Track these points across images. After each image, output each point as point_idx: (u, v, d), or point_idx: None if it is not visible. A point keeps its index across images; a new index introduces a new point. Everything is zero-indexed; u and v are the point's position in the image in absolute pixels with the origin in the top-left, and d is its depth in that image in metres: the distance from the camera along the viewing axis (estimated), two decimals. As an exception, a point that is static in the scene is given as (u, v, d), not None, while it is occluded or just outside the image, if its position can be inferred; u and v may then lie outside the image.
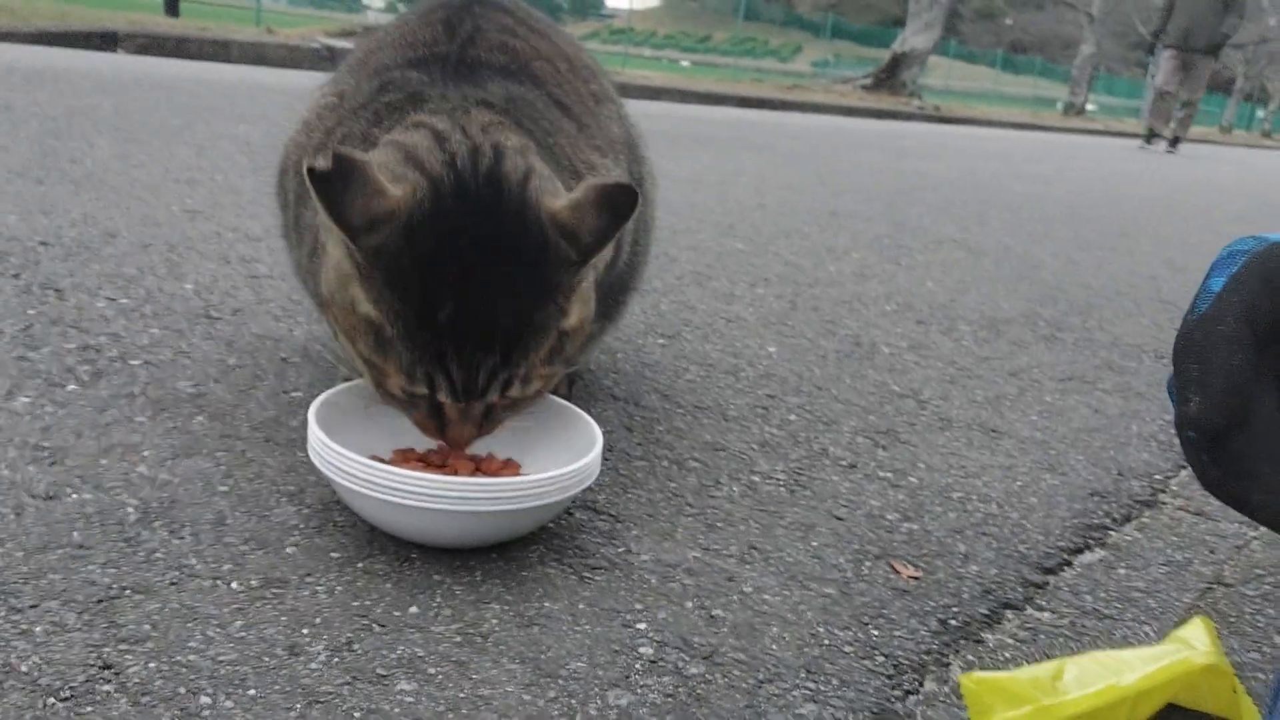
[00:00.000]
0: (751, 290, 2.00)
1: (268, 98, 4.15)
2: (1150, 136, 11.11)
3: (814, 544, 0.96)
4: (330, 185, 0.77)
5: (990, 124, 14.22)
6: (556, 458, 0.94)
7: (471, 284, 0.80)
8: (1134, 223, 4.12)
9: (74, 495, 0.86)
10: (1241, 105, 32.36)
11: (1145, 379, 1.70)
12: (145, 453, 0.96)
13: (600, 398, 1.28)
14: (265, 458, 0.99)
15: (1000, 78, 36.25)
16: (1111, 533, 1.10)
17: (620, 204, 0.85)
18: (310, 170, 0.76)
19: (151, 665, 0.66)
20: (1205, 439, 0.58)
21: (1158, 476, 1.27)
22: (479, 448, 0.95)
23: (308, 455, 0.93)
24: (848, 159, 5.34)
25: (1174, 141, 10.96)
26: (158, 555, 0.79)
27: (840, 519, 1.03)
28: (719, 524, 0.98)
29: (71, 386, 1.09)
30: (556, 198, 0.86)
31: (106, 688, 0.64)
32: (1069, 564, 1.01)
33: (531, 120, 1.01)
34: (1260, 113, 35.96)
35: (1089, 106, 24.10)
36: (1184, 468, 1.32)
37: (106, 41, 7.82)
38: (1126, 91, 35.83)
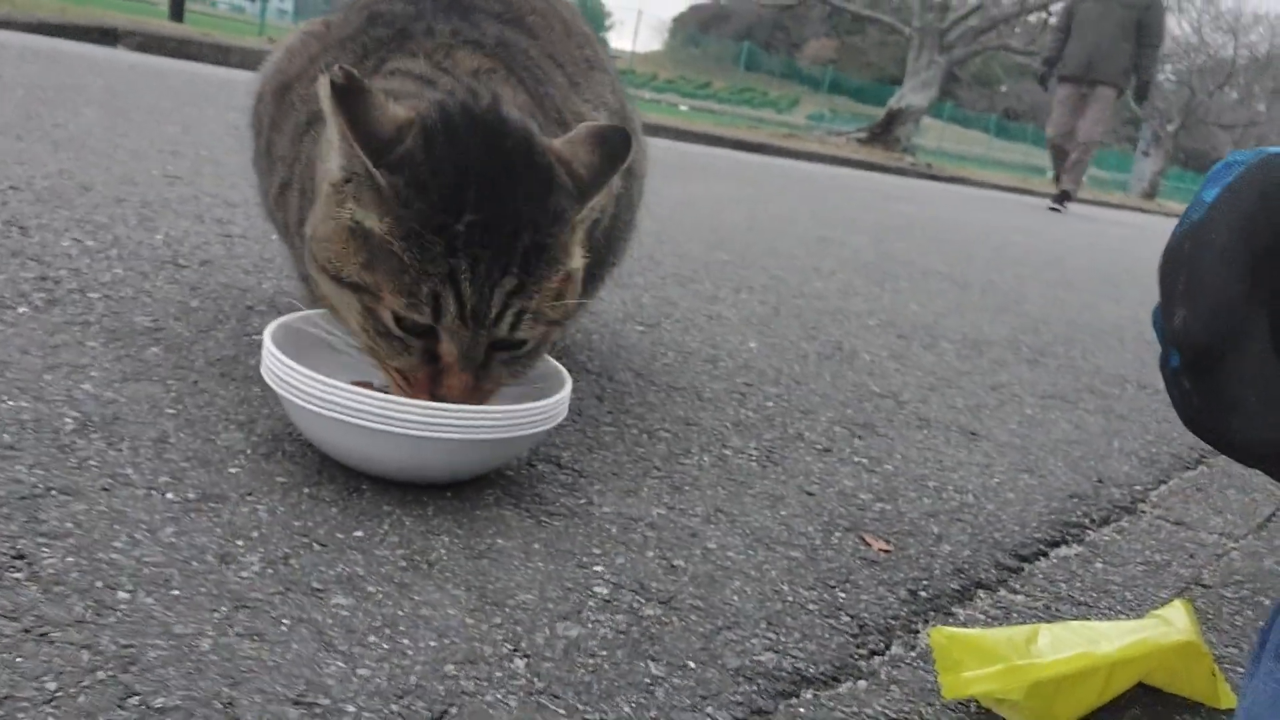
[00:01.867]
0: (735, 295, 1.97)
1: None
2: (1062, 198, 8.65)
3: (782, 513, 0.93)
4: (347, 97, 0.74)
5: (980, 184, 14.39)
6: (521, 399, 0.91)
7: (490, 199, 0.76)
8: (1121, 274, 4.14)
9: (9, 403, 0.82)
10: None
11: (1128, 404, 1.68)
12: (93, 374, 0.92)
13: (572, 370, 1.24)
14: (218, 389, 0.95)
15: (993, 143, 36.74)
16: (1089, 532, 1.07)
17: (616, 144, 0.83)
18: (331, 82, 0.73)
19: (69, 560, 0.62)
20: (1189, 360, 0.54)
21: (1138, 487, 1.25)
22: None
23: (266, 388, 0.89)
24: (839, 198, 5.36)
25: (1062, 197, 8.53)
26: (91, 463, 0.75)
27: (811, 494, 0.99)
28: (686, 487, 0.94)
29: (23, 309, 1.05)
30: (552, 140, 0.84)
31: (16, 575, 0.59)
32: (1045, 555, 0.98)
33: (524, 68, 0.99)
34: (1244, 194, 36.37)
35: (1078, 175, 24.39)
36: (1165, 481, 1.29)
37: (106, 37, 7.80)
38: (1115, 165, 36.39)
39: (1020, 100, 41.99)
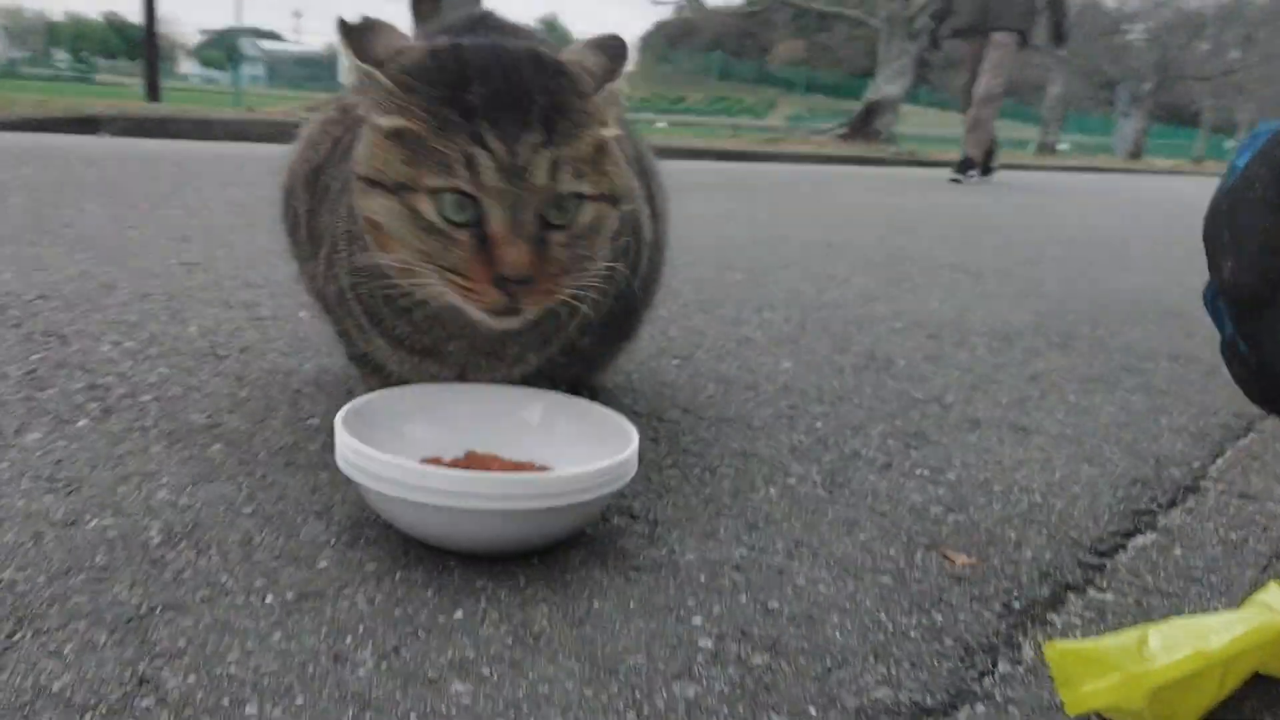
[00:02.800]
0: (758, 315, 1.98)
1: (254, 166, 4.16)
2: (965, 166, 7.56)
3: (861, 538, 0.93)
4: (359, 31, 0.81)
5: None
6: (590, 459, 0.91)
7: (500, 78, 0.79)
8: (1125, 246, 4.14)
9: (94, 521, 0.83)
10: (1212, 137, 32.98)
11: (1165, 379, 1.68)
12: (164, 479, 0.93)
13: (622, 413, 1.25)
14: (287, 480, 0.95)
15: (971, 122, 36.82)
16: (1160, 517, 1.06)
17: (614, 48, 0.88)
18: (341, 22, 0.81)
19: (191, 678, 0.62)
20: (1242, 307, 0.55)
21: (1196, 464, 1.25)
22: (516, 453, 0.92)
23: (333, 472, 0.90)
24: (833, 199, 5.38)
25: (964, 165, 7.51)
26: (186, 574, 0.75)
27: (883, 514, 0.99)
28: (760, 523, 0.95)
29: (82, 422, 1.05)
30: None
31: (145, 702, 0.60)
32: (1123, 547, 0.98)
33: None
34: (1229, 143, 36.60)
35: (1061, 145, 24.51)
36: (1220, 454, 1.29)
37: (88, 125, 7.86)
38: (1098, 129, 36.47)
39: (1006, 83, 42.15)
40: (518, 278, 0.77)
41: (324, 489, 0.94)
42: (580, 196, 0.81)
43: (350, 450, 0.80)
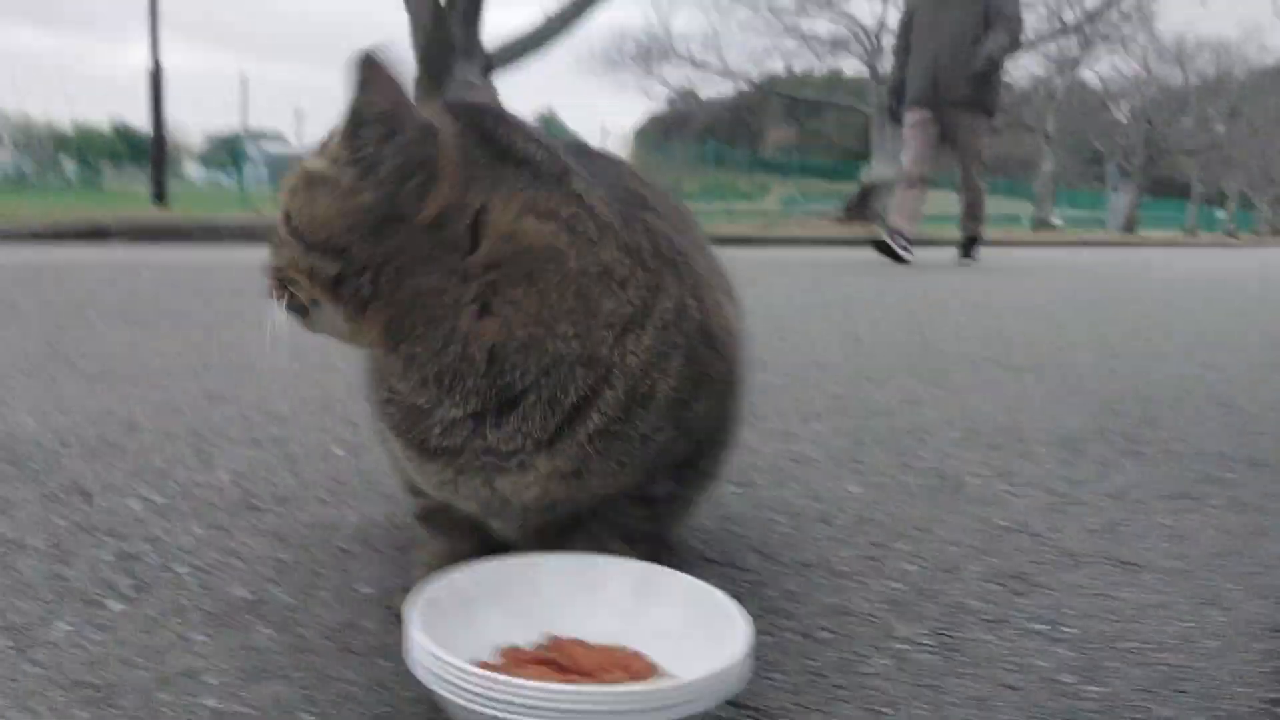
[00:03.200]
0: (807, 426, 1.89)
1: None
2: (890, 243, 7.13)
3: (998, 722, 0.82)
4: None
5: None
6: (690, 645, 0.81)
7: None
8: (1147, 327, 4.08)
9: (135, 745, 0.72)
10: (1202, 208, 33.35)
11: (1252, 490, 1.58)
12: (209, 680, 0.82)
13: (692, 561, 1.15)
14: (346, 672, 0.85)
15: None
16: (1310, 673, 0.96)
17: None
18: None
19: None
20: None
21: (1324, 600, 1.14)
22: (602, 636, 0.82)
23: (395, 661, 0.80)
24: (841, 285, 5.34)
25: (970, 244, 7.39)
26: (247, 817, 0.65)
27: (1014, 689, 0.89)
28: (880, 707, 0.84)
29: (114, 605, 0.95)
30: None
31: None
32: (1286, 718, 0.87)
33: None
34: (1220, 214, 37.02)
35: (1056, 220, 24.76)
36: (1347, 587, 1.19)
37: (98, 235, 7.90)
38: (1089, 203, 36.93)
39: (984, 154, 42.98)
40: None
41: (387, 684, 0.83)
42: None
43: (429, 658, 0.70)
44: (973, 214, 7.37)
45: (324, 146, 0.83)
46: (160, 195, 12.29)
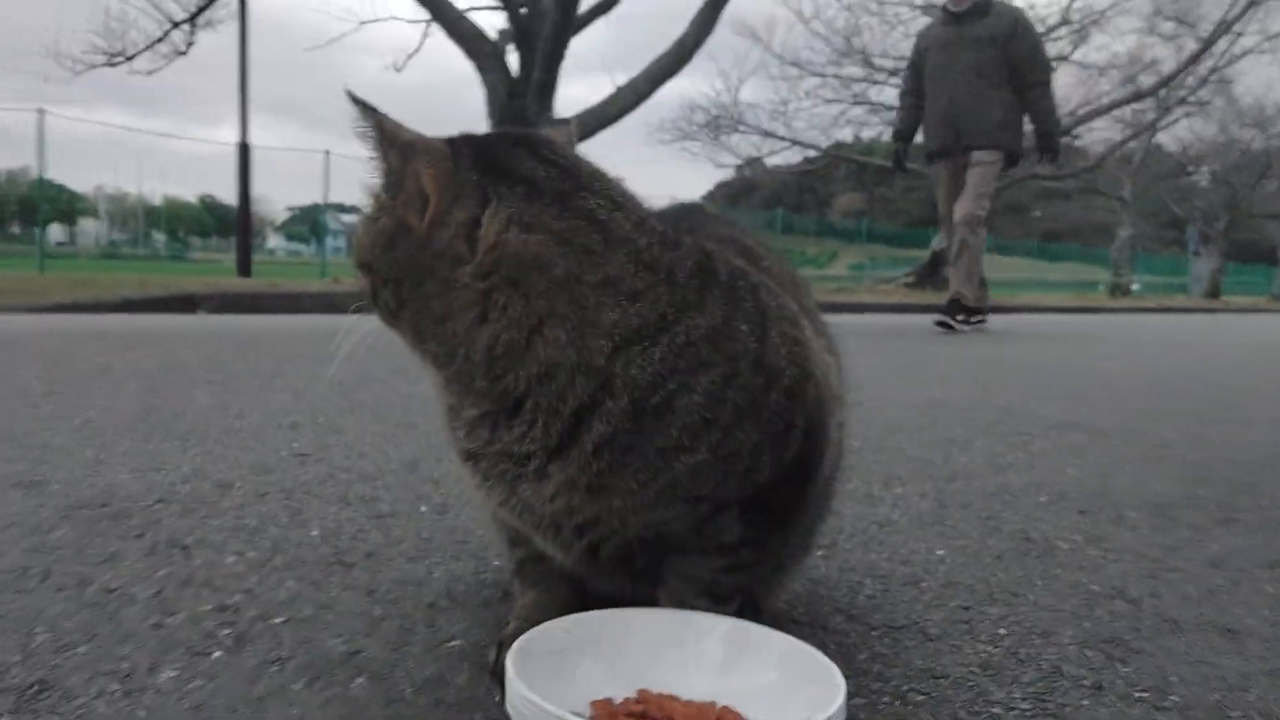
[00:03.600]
0: (888, 489, 1.86)
1: (347, 340, 4.22)
2: (954, 308, 6.41)
3: (1104, 791, 0.80)
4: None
5: (1040, 310, 14.27)
6: (783, 703, 0.80)
7: None
8: (1234, 391, 3.95)
9: (241, 790, 0.74)
10: (1286, 271, 32.38)
11: (1360, 557, 1.51)
12: (309, 729, 0.84)
13: (782, 623, 1.14)
14: (441, 725, 0.86)
15: (1036, 265, 36.82)
16: None
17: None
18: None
19: None
20: None
21: None
22: (694, 693, 0.82)
23: (486, 712, 0.81)
24: (915, 350, 5.29)
25: (953, 307, 6.40)
26: None
27: (1119, 755, 0.86)
28: (980, 772, 0.82)
29: (216, 655, 0.98)
30: None
31: None
32: None
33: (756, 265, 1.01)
34: (1307, 278, 35.87)
35: (1134, 286, 24.25)
36: None
37: (186, 304, 8.23)
38: (1166, 269, 36.14)
39: (1056, 221, 42.44)
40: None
41: (483, 735, 0.84)
42: None
43: (527, 705, 0.71)
44: (961, 267, 6.34)
45: None
46: (245, 265, 12.76)
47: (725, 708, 0.81)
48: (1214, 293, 24.68)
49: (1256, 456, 2.39)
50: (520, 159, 0.90)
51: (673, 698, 0.82)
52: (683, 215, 1.04)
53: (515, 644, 0.80)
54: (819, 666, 0.81)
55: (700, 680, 0.84)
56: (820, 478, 1.00)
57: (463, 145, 0.91)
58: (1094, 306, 15.83)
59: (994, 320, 7.53)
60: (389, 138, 0.89)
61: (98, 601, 1.10)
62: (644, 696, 0.83)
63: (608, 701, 0.82)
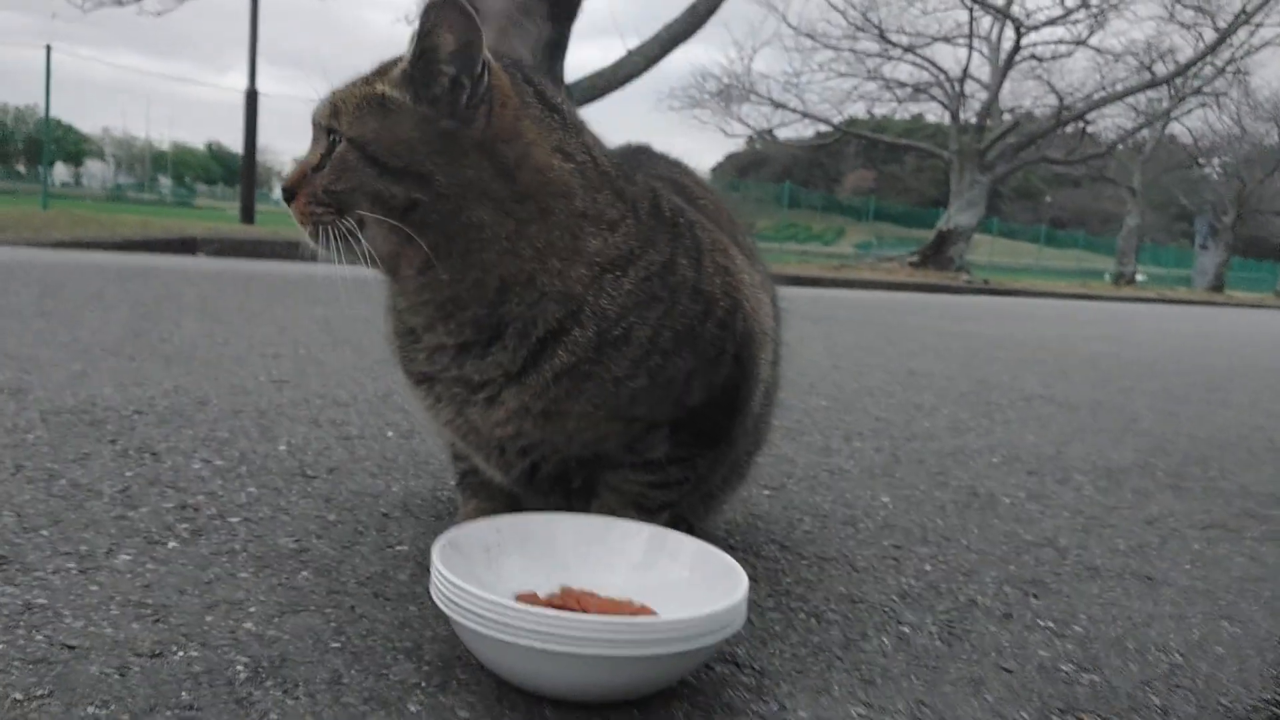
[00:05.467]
0: (847, 444, 1.92)
1: (342, 285, 4.26)
2: None
3: (989, 699, 0.85)
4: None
5: (1041, 294, 14.26)
6: (695, 600, 0.85)
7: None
8: (1219, 376, 4.00)
9: (180, 653, 0.79)
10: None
11: (1292, 525, 1.56)
12: (251, 609, 0.89)
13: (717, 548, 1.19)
14: (376, 613, 0.91)
15: (1043, 252, 36.69)
16: (1317, 685, 0.96)
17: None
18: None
19: (275, 839, 0.57)
20: None
21: (1346, 624, 1.14)
22: (613, 590, 0.87)
23: (422, 606, 0.86)
24: (910, 324, 5.33)
25: None
26: (272, 717, 0.71)
27: (1009, 671, 0.91)
28: (877, 679, 0.87)
29: (172, 544, 1.03)
30: None
31: None
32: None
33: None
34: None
35: (1139, 276, 24.21)
36: (1372, 614, 1.18)
37: (186, 246, 8.24)
38: (1172, 261, 36.03)
39: (1064, 209, 42.23)
40: (284, 191, 0.90)
41: (413, 624, 0.89)
42: (332, 132, 0.88)
43: (446, 585, 0.76)
44: None
45: (385, 74, 0.88)
46: (249, 215, 12.74)
47: (639, 604, 0.87)
48: (1218, 286, 24.63)
49: (1219, 435, 2.43)
50: (549, 87, 0.93)
51: (591, 593, 0.87)
52: (630, 154, 1.09)
53: (442, 537, 0.85)
54: (725, 566, 0.86)
55: (619, 577, 0.90)
56: (749, 407, 1.04)
57: (511, 65, 0.92)
58: (1095, 294, 15.82)
59: (992, 302, 7.55)
60: (477, 50, 0.85)
61: (65, 494, 1.16)
62: (565, 591, 0.88)
63: (532, 594, 0.87)
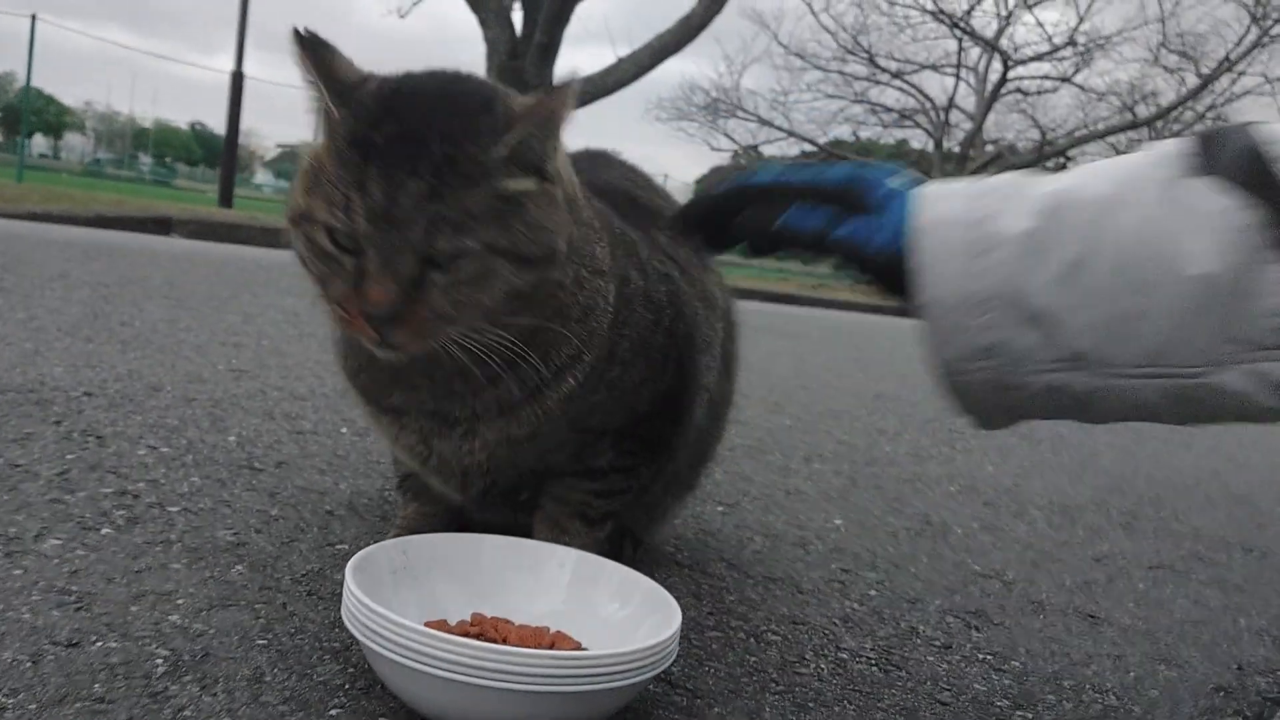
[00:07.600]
0: (807, 465, 1.92)
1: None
2: None
3: (920, 731, 0.85)
4: (315, 48, 0.80)
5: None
6: (624, 633, 0.83)
7: (414, 115, 0.78)
8: (1181, 419, 4.03)
9: (98, 644, 0.77)
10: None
11: (1240, 573, 1.57)
12: (179, 601, 0.87)
13: (663, 563, 1.19)
14: (308, 612, 0.90)
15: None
16: (1248, 733, 0.97)
17: (557, 91, 0.80)
18: (296, 32, 0.80)
19: (173, 843, 0.56)
20: None
21: (1282, 672, 1.15)
22: (535, 618, 0.85)
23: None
24: (881, 347, 5.35)
25: None
26: (186, 713, 0.69)
27: (945, 704, 0.91)
28: (810, 704, 0.87)
29: (105, 530, 1.01)
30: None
31: None
32: (1211, 766, 0.88)
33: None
34: None
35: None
36: (1309, 664, 1.19)
37: (161, 226, 8.15)
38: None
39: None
40: (379, 314, 0.77)
41: (343, 625, 0.87)
42: (462, 251, 0.77)
43: (355, 604, 0.74)
44: None
45: None
46: (227, 198, 12.63)
47: (558, 632, 0.84)
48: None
49: (1176, 477, 2.45)
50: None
51: (506, 621, 0.85)
52: (588, 160, 1.09)
53: (355, 557, 0.82)
54: (659, 600, 0.84)
55: (544, 608, 0.88)
56: (691, 415, 1.04)
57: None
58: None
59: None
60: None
61: (1, 475, 1.13)
62: (477, 619, 0.85)
63: (442, 622, 0.84)
